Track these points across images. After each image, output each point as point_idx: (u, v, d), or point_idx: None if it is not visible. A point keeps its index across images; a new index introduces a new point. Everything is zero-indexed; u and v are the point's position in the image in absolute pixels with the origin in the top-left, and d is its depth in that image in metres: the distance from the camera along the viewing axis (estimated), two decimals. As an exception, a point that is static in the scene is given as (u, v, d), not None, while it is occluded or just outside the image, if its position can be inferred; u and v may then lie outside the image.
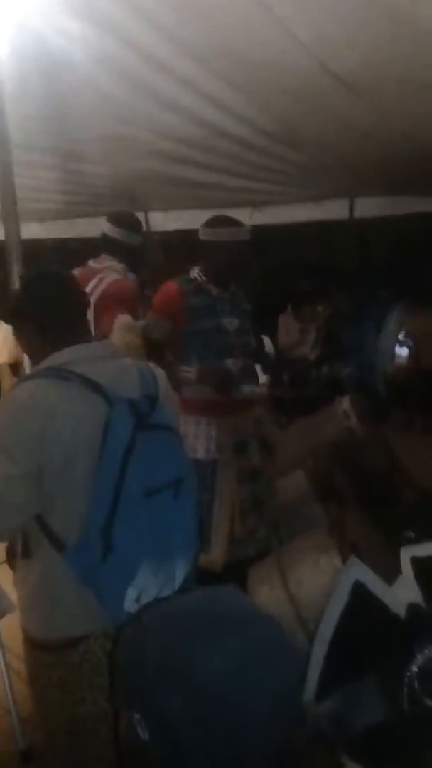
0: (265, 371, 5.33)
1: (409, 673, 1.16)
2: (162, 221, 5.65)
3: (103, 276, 3.23)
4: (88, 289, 3.17)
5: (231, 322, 2.82)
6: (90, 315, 3.10)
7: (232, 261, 2.77)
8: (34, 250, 3.47)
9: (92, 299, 3.18)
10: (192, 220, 5.50)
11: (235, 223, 2.84)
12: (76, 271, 3.24)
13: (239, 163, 4.49)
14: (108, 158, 4.36)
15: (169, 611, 0.80)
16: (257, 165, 4.55)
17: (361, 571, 1.39)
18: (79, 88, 3.30)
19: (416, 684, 1.14)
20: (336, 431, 3.25)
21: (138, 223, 3.46)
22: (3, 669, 2.12)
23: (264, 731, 0.74)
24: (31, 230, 4.98)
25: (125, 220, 3.42)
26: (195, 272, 2.84)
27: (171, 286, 2.83)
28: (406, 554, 1.36)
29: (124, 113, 3.65)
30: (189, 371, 2.72)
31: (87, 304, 1.75)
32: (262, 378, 4.71)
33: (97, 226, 5.53)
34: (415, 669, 1.17)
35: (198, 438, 2.69)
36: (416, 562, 1.31)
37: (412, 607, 1.26)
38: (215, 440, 2.70)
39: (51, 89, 3.29)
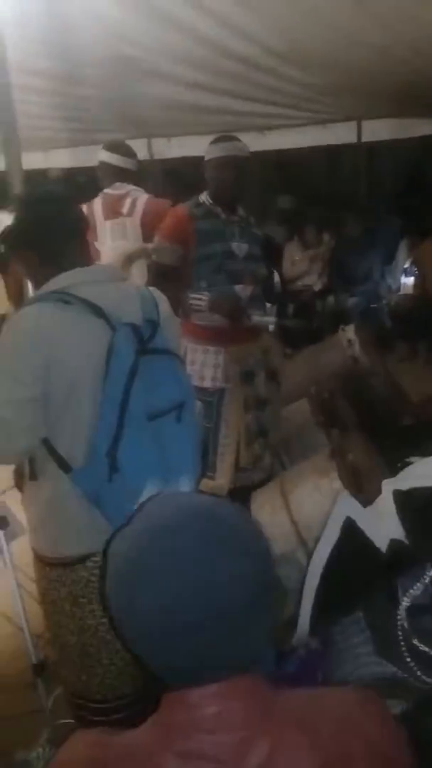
0: (270, 301, 5.29)
1: (399, 615, 1.16)
2: (165, 148, 5.53)
3: (134, 197, 3.17)
4: (124, 211, 3.14)
5: (240, 248, 2.77)
6: (136, 235, 3.09)
7: (232, 176, 2.70)
8: (36, 182, 3.40)
9: (130, 221, 3.14)
10: (196, 146, 5.37)
11: (234, 138, 2.76)
12: (100, 200, 3.18)
13: (245, 84, 4.35)
14: (110, 82, 4.24)
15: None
16: (264, 86, 4.41)
17: (351, 507, 1.41)
18: (80, 7, 3.18)
19: (406, 624, 1.15)
20: (340, 360, 3.26)
21: (133, 150, 3.39)
22: (15, 588, 2.20)
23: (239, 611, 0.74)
24: (33, 160, 4.88)
25: (125, 148, 3.34)
26: (203, 196, 2.78)
27: (180, 211, 2.77)
28: (388, 487, 1.36)
29: (127, 33, 3.53)
30: (199, 299, 2.69)
31: (87, 226, 1.72)
32: (268, 308, 4.69)
33: (95, 154, 5.44)
34: (402, 610, 1.17)
35: (206, 366, 2.70)
36: (397, 495, 1.31)
37: (393, 544, 1.27)
38: (223, 369, 2.71)
39: (51, 10, 3.17)
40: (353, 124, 5.22)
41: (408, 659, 1.09)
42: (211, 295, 2.67)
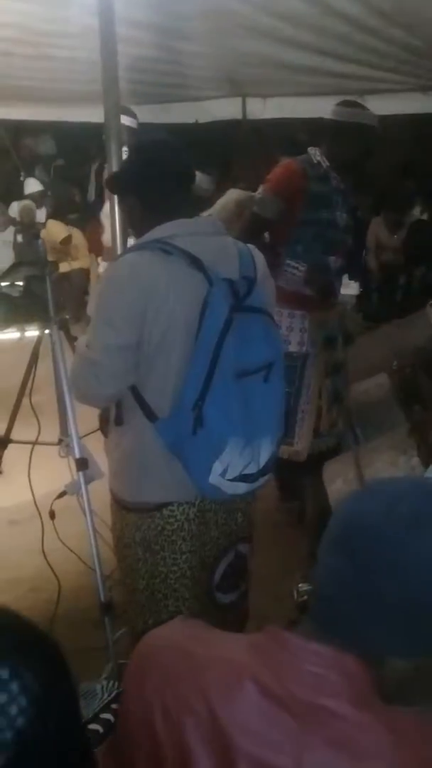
0: (354, 277, 5.19)
1: None
2: (260, 108, 5.41)
3: None
4: None
5: (342, 217, 2.70)
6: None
7: (364, 147, 2.61)
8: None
9: None
10: (293, 108, 5.25)
11: (366, 108, 2.67)
12: None
13: (348, 45, 4.20)
14: (209, 37, 4.16)
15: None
16: (367, 48, 4.25)
17: None
18: None
19: None
20: (425, 335, 3.18)
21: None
22: (90, 530, 2.27)
23: None
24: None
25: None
26: (317, 156, 2.66)
27: (294, 166, 2.66)
28: None
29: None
30: (296, 268, 2.65)
31: (193, 177, 1.71)
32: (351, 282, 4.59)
33: (191, 112, 5.38)
34: None
35: (292, 330, 2.67)
36: None
37: None
38: (309, 333, 2.68)
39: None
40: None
41: None
42: (308, 268, 2.62)
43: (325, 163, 2.64)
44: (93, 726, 1.25)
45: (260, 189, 2.73)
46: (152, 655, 0.84)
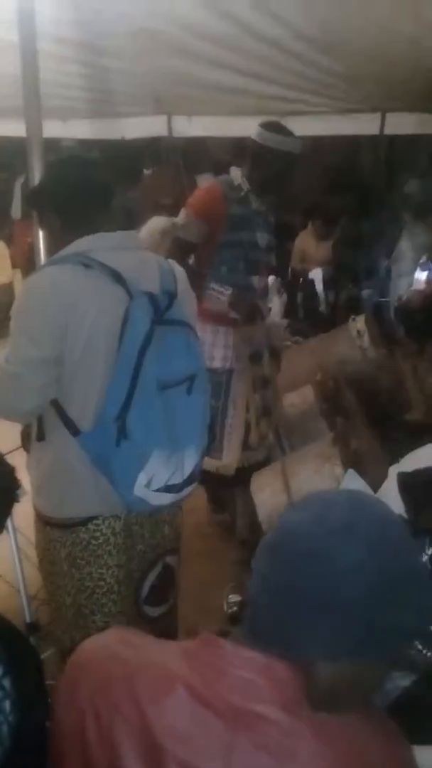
0: (281, 290, 5.31)
1: None
2: (186, 126, 5.47)
3: None
4: None
5: (263, 237, 2.76)
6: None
7: (284, 172, 2.65)
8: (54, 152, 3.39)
9: None
10: (218, 127, 5.34)
11: (291, 133, 2.71)
12: None
13: (272, 67, 4.30)
14: (135, 55, 4.19)
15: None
16: (290, 71, 4.36)
17: (355, 483, 1.43)
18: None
19: None
20: (348, 349, 3.28)
21: None
22: (14, 549, 2.22)
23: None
24: (52, 129, 4.86)
25: None
26: (238, 179, 2.71)
27: (215, 189, 2.71)
28: (394, 470, 1.40)
29: (156, 8, 3.48)
30: (221, 293, 2.67)
31: (112, 193, 1.72)
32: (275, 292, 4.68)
33: (118, 128, 5.40)
34: None
35: (215, 347, 2.70)
36: (401, 477, 1.34)
37: None
38: (233, 349, 2.72)
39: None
40: (377, 115, 5.19)
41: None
42: (232, 293, 2.65)
43: (246, 186, 2.70)
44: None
45: (182, 213, 2.77)
46: (85, 663, 0.84)
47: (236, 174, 2.73)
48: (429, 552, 1.16)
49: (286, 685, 0.74)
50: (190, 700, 0.74)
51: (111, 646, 0.85)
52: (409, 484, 1.30)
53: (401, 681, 1.07)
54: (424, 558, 1.17)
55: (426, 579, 0.76)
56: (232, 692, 0.74)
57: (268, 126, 2.71)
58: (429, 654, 1.09)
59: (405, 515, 1.27)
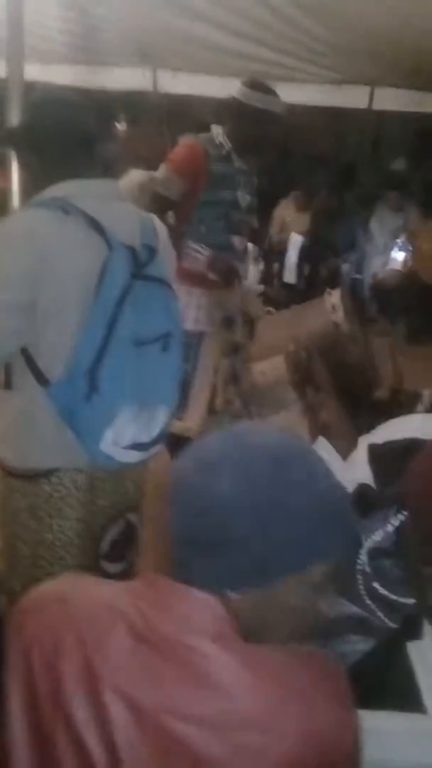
0: (258, 257, 5.27)
1: (360, 558, 1.20)
2: (171, 82, 5.35)
3: None
4: None
5: (244, 198, 2.72)
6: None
7: (268, 132, 2.62)
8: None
9: None
10: (204, 86, 5.23)
11: (276, 93, 2.66)
12: None
13: (263, 30, 4.26)
14: (127, 5, 4.08)
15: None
16: (282, 35, 4.32)
17: (327, 452, 1.44)
18: None
19: (366, 567, 1.18)
20: (322, 323, 3.27)
21: None
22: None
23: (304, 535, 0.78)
24: (31, 71, 4.69)
25: None
26: (220, 137, 2.66)
27: (196, 146, 2.66)
28: (364, 441, 1.41)
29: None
30: (199, 252, 2.63)
31: (95, 139, 1.66)
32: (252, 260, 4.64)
33: (101, 76, 5.24)
34: (364, 553, 1.21)
35: (188, 307, 2.67)
36: (372, 448, 1.35)
37: (361, 487, 1.31)
38: (206, 312, 2.69)
39: None
40: (366, 89, 5.14)
41: (368, 601, 1.12)
42: (211, 254, 2.62)
43: (228, 144, 2.65)
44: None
45: (162, 169, 2.70)
46: (33, 606, 0.86)
47: (217, 132, 2.68)
48: (395, 522, 1.17)
49: (218, 619, 0.78)
50: (128, 635, 0.78)
51: (59, 589, 0.88)
52: (378, 454, 1.30)
53: (360, 645, 1.08)
54: (390, 528, 1.18)
55: (301, 507, 0.78)
56: (167, 626, 0.77)
57: (251, 84, 2.66)
58: (386, 619, 1.11)
59: (371, 483, 1.28)
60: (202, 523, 0.79)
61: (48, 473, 1.65)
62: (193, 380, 2.69)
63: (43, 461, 1.64)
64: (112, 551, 1.81)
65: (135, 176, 3.25)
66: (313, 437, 2.41)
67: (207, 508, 0.78)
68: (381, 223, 5.64)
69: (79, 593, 0.86)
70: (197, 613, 0.78)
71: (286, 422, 2.56)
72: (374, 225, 5.66)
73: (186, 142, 2.73)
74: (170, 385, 1.68)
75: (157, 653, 0.76)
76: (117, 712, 0.75)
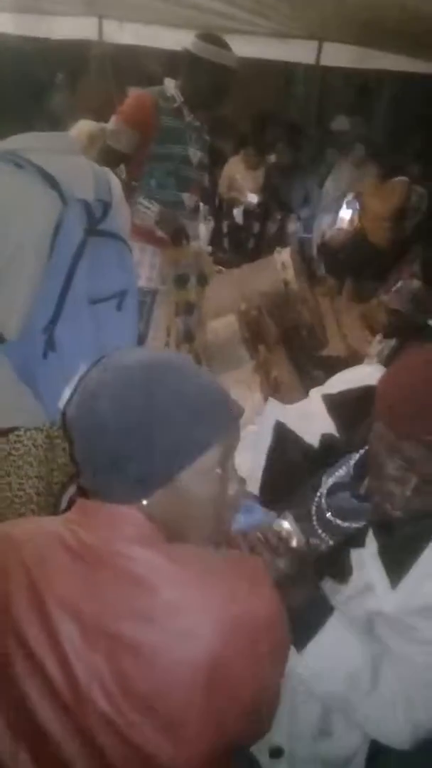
0: (208, 215, 5.22)
1: (318, 495, 1.27)
2: (117, 32, 5.18)
3: None
4: None
5: (195, 154, 2.69)
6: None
7: (221, 87, 2.57)
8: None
9: None
10: (150, 37, 5.09)
11: (228, 47, 2.61)
12: None
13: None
14: None
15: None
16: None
17: (280, 411, 1.48)
18: None
19: (323, 502, 1.25)
20: (272, 281, 3.30)
21: None
22: None
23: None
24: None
25: None
26: (172, 90, 2.62)
27: (146, 98, 2.61)
28: (316, 393, 1.45)
29: None
30: (148, 209, 2.59)
31: (47, 89, 1.62)
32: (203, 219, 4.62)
33: (46, 26, 5.03)
34: (323, 490, 1.28)
35: (141, 265, 2.64)
36: (327, 397, 1.40)
37: (324, 438, 1.36)
38: (159, 270, 2.67)
39: None
40: (314, 44, 5.09)
41: (319, 531, 1.20)
42: (160, 210, 2.59)
43: (180, 98, 2.61)
44: None
45: (113, 120, 2.64)
46: None
47: (169, 85, 2.64)
48: (354, 457, 1.23)
49: (139, 525, 0.85)
50: (65, 553, 0.85)
51: (2, 528, 0.95)
52: (338, 403, 1.35)
53: (318, 545, 1.17)
54: (350, 464, 1.24)
55: (176, 409, 0.85)
56: (98, 541, 0.85)
57: (204, 37, 2.62)
58: (338, 522, 1.21)
59: (335, 432, 1.33)
60: (93, 448, 0.86)
61: (6, 432, 1.64)
62: (146, 338, 2.69)
63: (1, 420, 1.64)
64: (70, 508, 1.83)
65: (84, 126, 3.16)
66: (265, 393, 2.46)
67: (93, 432, 0.85)
68: (336, 180, 5.64)
69: (20, 528, 0.93)
70: (120, 523, 0.85)
71: (239, 379, 2.60)
72: (329, 183, 5.66)
73: (136, 93, 2.67)
74: (126, 343, 1.69)
75: (91, 565, 0.84)
76: (63, 622, 0.83)
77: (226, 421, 0.89)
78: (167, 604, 0.82)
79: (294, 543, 1.08)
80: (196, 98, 2.60)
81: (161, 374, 0.86)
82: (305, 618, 1.07)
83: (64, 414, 1.57)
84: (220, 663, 0.81)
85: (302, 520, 1.21)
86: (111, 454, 0.84)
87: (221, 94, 2.63)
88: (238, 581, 0.85)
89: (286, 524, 1.11)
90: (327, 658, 1.07)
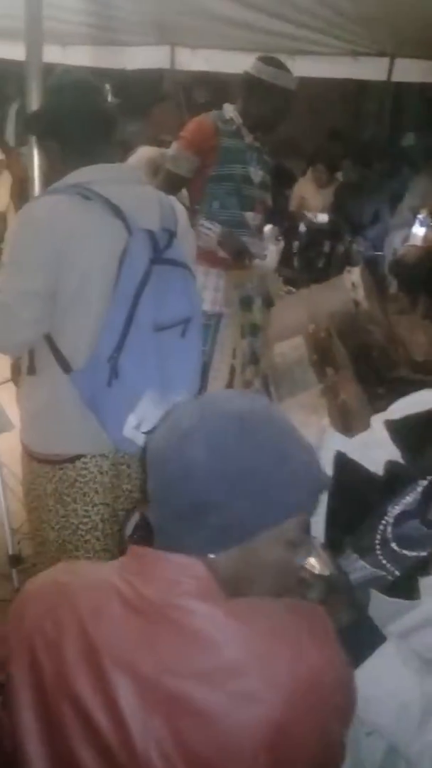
0: (279, 236, 5.22)
1: (383, 524, 1.22)
2: (188, 59, 5.28)
3: None
4: None
5: (256, 173, 2.71)
6: None
7: (278, 108, 2.61)
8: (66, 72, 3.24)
9: None
10: (222, 62, 5.15)
11: (287, 68, 2.65)
12: None
13: (281, 3, 4.18)
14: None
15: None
16: (298, 7, 4.25)
17: (340, 442, 1.44)
18: None
19: (389, 532, 1.21)
20: (341, 301, 3.25)
21: None
22: (-1, 482, 2.23)
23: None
24: (50, 54, 4.65)
25: None
26: (230, 112, 2.67)
27: (206, 122, 2.66)
28: (378, 420, 1.41)
29: None
30: (210, 230, 2.63)
31: (115, 123, 1.66)
32: (272, 239, 4.61)
33: (120, 57, 5.18)
34: (390, 519, 1.23)
35: (206, 289, 2.67)
36: (389, 423, 1.35)
37: (389, 465, 1.32)
38: (224, 293, 2.68)
39: None
40: (385, 60, 5.03)
41: (383, 561, 1.16)
42: (221, 231, 2.62)
43: (238, 120, 2.65)
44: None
45: (173, 146, 2.71)
46: (31, 595, 0.91)
47: (228, 108, 2.69)
48: (422, 483, 1.19)
49: (203, 579, 0.81)
50: (121, 607, 0.82)
51: (54, 576, 0.93)
52: (402, 429, 1.31)
53: (384, 576, 1.12)
54: (417, 491, 1.19)
55: (268, 467, 0.81)
56: (156, 594, 0.81)
57: (264, 59, 2.67)
58: (405, 552, 1.15)
59: (399, 459, 1.28)
60: (177, 490, 0.82)
61: (73, 459, 1.67)
62: (211, 362, 2.70)
63: (67, 447, 1.67)
64: (135, 535, 1.84)
65: (145, 153, 3.23)
66: (333, 418, 2.40)
67: (180, 475, 0.82)
68: (409, 197, 5.53)
69: (72, 576, 0.90)
70: (182, 576, 0.82)
71: (305, 404, 2.56)
72: (406, 200, 5.56)
73: (196, 119, 2.73)
74: (190, 371, 1.69)
75: (149, 619, 0.80)
76: (118, 679, 0.79)
77: (318, 488, 0.86)
78: (229, 663, 0.78)
79: (319, 570, 1.04)
80: (255, 119, 2.64)
81: (261, 426, 0.83)
82: (350, 642, 1.02)
83: (144, 449, 1.59)
84: (284, 726, 0.77)
85: (366, 551, 1.17)
86: (194, 500, 0.81)
87: (280, 116, 2.67)
88: (303, 639, 0.81)
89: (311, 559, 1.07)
90: (376, 686, 1.02)
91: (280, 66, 2.64)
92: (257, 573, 0.85)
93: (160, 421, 0.91)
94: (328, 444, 1.45)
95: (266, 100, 2.59)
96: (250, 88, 2.61)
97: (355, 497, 1.33)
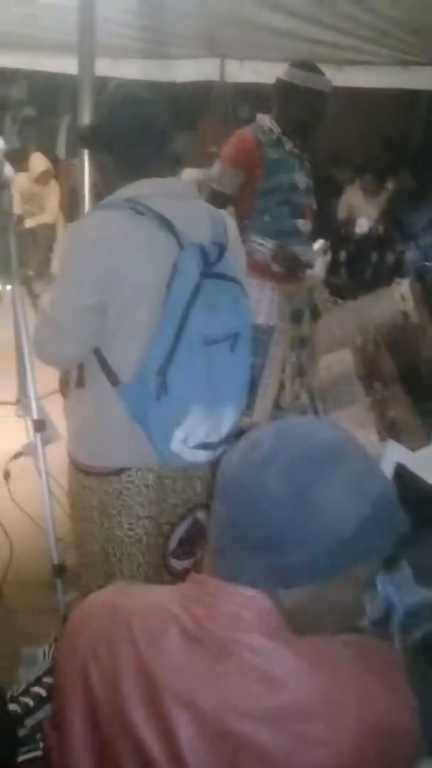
0: (327, 249, 5.18)
1: None
2: (237, 71, 5.29)
3: None
4: None
5: (301, 180, 2.70)
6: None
7: (315, 111, 2.60)
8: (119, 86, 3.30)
9: None
10: (271, 73, 5.15)
11: (321, 71, 2.63)
12: None
13: (328, 12, 4.15)
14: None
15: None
16: (347, 16, 4.21)
17: (399, 452, 1.41)
18: None
19: None
20: (390, 313, 3.20)
21: None
22: (45, 491, 2.25)
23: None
24: (101, 67, 4.72)
25: None
26: (268, 122, 2.66)
27: (247, 135, 2.65)
28: None
29: None
30: (262, 245, 2.62)
31: (168, 137, 1.66)
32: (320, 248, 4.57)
33: (169, 70, 5.23)
34: None
35: (260, 302, 2.65)
36: None
37: None
38: (278, 306, 2.67)
39: None
40: (435, 69, 4.95)
41: None
42: (274, 245, 2.60)
43: (277, 129, 2.63)
44: (24, 698, 1.27)
45: (216, 164, 2.71)
46: (84, 615, 0.89)
47: (264, 119, 2.67)
48: None
49: (267, 614, 0.78)
50: (181, 637, 0.78)
51: (109, 598, 0.90)
52: None
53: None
54: None
55: (347, 508, 0.78)
56: (219, 626, 0.78)
57: (296, 64, 2.65)
58: None
59: None
60: (247, 519, 0.79)
61: (118, 471, 1.67)
62: (261, 375, 2.68)
63: (113, 459, 1.67)
64: (179, 549, 1.83)
65: (189, 175, 3.25)
66: (381, 433, 2.36)
67: (252, 504, 0.79)
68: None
69: (127, 599, 0.87)
70: (245, 609, 0.79)
71: (353, 418, 2.51)
72: None
73: (235, 133, 2.73)
74: (238, 386, 1.68)
75: (211, 653, 0.77)
76: (177, 714, 0.76)
77: (398, 531, 0.82)
78: (294, 704, 0.75)
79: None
80: (294, 125, 2.63)
81: (339, 464, 0.79)
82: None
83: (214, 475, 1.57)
84: None
85: (426, 568, 1.14)
86: (269, 533, 0.78)
87: (317, 119, 2.64)
88: (372, 681, 0.77)
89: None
90: None
91: (313, 69, 2.62)
92: (325, 613, 0.82)
93: (235, 443, 0.87)
94: (388, 454, 1.43)
95: (302, 105, 2.58)
96: (284, 94, 2.60)
97: (414, 512, 1.30)
